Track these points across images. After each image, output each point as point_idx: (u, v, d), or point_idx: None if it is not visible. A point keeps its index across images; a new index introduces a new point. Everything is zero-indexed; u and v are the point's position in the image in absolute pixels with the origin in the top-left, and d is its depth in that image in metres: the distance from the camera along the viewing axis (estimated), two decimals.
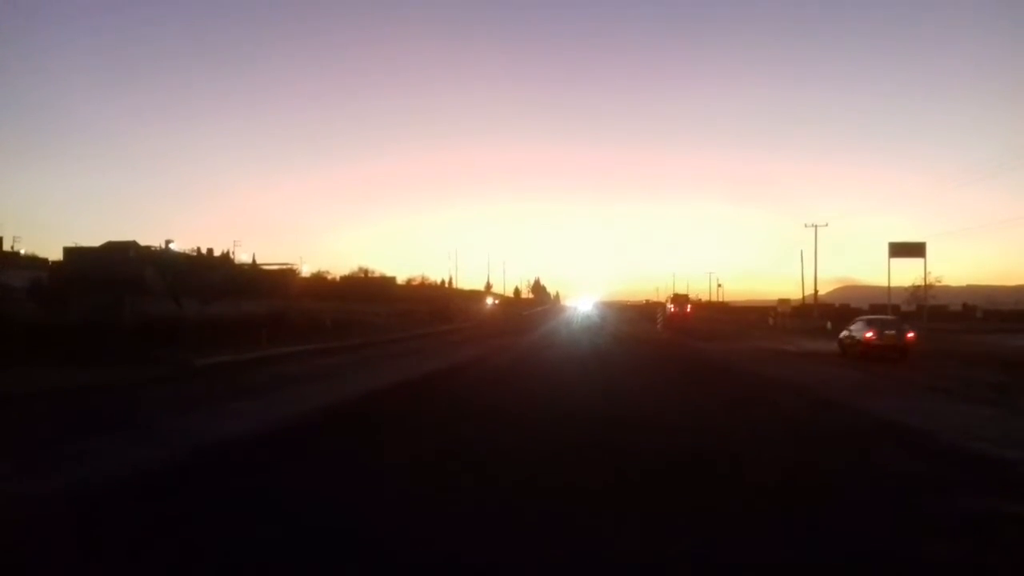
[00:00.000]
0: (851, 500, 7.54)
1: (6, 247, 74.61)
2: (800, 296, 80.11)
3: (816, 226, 70.79)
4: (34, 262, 66.21)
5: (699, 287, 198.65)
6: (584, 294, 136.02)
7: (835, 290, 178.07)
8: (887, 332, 27.63)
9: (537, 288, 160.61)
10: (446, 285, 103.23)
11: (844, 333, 30.27)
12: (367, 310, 54.55)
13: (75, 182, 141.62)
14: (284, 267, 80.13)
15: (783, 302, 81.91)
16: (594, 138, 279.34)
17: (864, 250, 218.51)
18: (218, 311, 36.31)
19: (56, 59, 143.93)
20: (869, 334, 27.56)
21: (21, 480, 8.17)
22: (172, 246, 67.43)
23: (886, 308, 57.60)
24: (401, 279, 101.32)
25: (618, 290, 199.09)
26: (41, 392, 15.36)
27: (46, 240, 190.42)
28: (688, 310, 74.35)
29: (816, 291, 75.59)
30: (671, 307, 72.36)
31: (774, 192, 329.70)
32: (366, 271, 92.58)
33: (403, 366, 23.73)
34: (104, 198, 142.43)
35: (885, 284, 55.23)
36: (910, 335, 27.65)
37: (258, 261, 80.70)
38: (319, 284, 79.10)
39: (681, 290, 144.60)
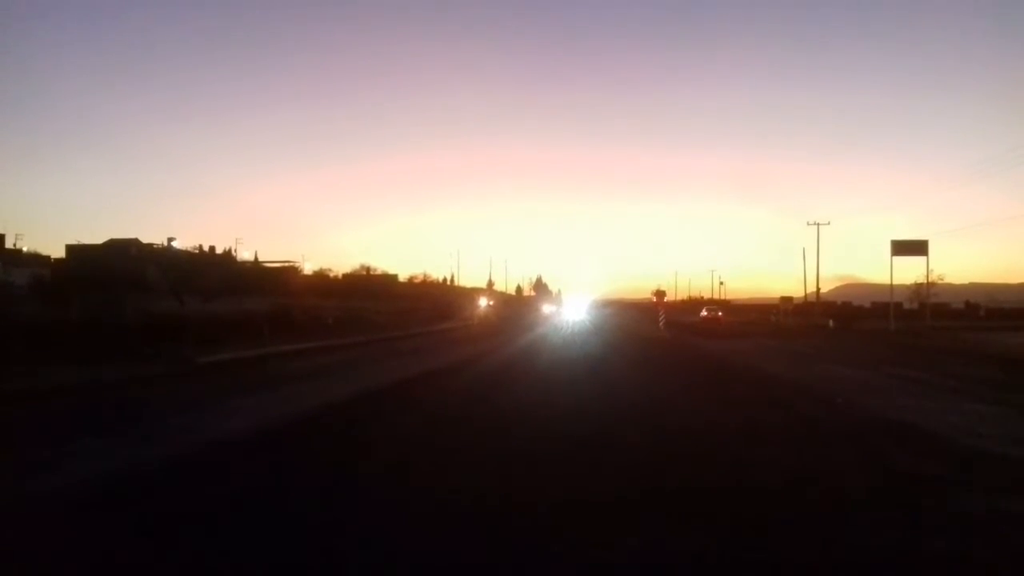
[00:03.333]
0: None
1: (8, 245, 74.77)
2: (803, 294, 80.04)
3: (818, 224, 70.70)
4: (36, 260, 66.33)
5: (702, 285, 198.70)
6: (575, 292, 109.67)
7: (837, 288, 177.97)
8: None
9: (539, 286, 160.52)
10: (448, 283, 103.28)
11: None
12: (369, 308, 54.59)
13: (77, 180, 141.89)
14: (286, 264, 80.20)
15: (785, 300, 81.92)
16: (597, 136, 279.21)
17: (867, 248, 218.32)
18: (220, 309, 36.35)
19: (59, 58, 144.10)
20: None
21: (21, 479, 8.16)
22: (174, 244, 67.50)
23: (888, 306, 57.52)
24: (403, 277, 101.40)
25: (620, 288, 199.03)
26: (42, 390, 15.37)
27: (49, 238, 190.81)
28: (720, 315, 72.29)
29: (818, 289, 75.51)
30: (654, 299, 71.65)
31: (777, 190, 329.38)
32: (368, 268, 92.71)
33: (397, 366, 23.73)
34: (106, 196, 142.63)
35: (887, 282, 55.09)
36: None
37: (260, 259, 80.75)
38: (321, 281, 79.17)
39: (683, 288, 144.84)
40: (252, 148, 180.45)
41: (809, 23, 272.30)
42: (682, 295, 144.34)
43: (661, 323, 53.01)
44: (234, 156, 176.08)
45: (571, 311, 77.26)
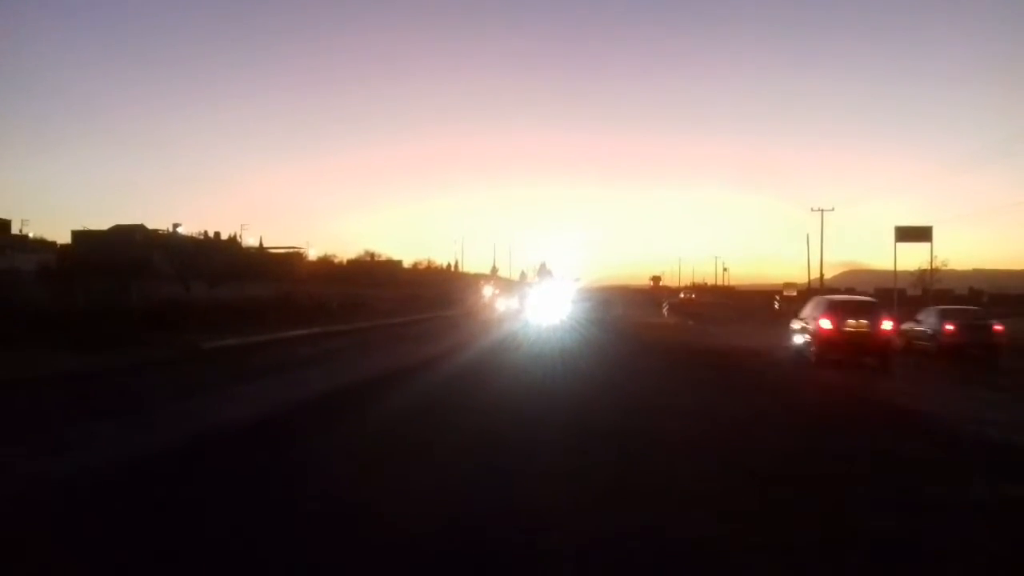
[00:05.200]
0: None
1: (15, 231, 74.97)
2: (806, 280, 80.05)
3: (822, 210, 70.53)
4: (42, 245, 66.54)
5: (705, 271, 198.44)
6: (578, 278, 79.79)
7: (841, 274, 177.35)
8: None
9: (543, 272, 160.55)
10: (452, 269, 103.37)
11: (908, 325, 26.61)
12: (373, 294, 54.77)
13: (83, 166, 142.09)
14: (291, 250, 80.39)
15: (789, 286, 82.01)
16: (600, 123, 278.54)
17: (870, 234, 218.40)
18: (225, 294, 36.58)
19: (65, 45, 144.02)
20: (950, 327, 24.10)
21: (27, 462, 8.31)
22: (179, 230, 67.74)
23: (892, 292, 57.55)
24: (408, 263, 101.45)
25: (623, 274, 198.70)
26: (47, 376, 15.54)
27: (55, 224, 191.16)
28: (692, 297, 75.23)
29: (822, 275, 75.46)
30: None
31: (780, 177, 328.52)
32: (372, 255, 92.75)
33: (400, 352, 23.93)
34: (112, 182, 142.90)
35: (891, 268, 55.06)
36: (999, 329, 24.17)
37: (265, 245, 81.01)
38: (326, 267, 79.33)
39: (687, 275, 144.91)
40: (257, 134, 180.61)
41: (813, 9, 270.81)
42: (685, 282, 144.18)
43: (665, 310, 53.30)
44: (239, 142, 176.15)
45: (543, 306, 46.01)
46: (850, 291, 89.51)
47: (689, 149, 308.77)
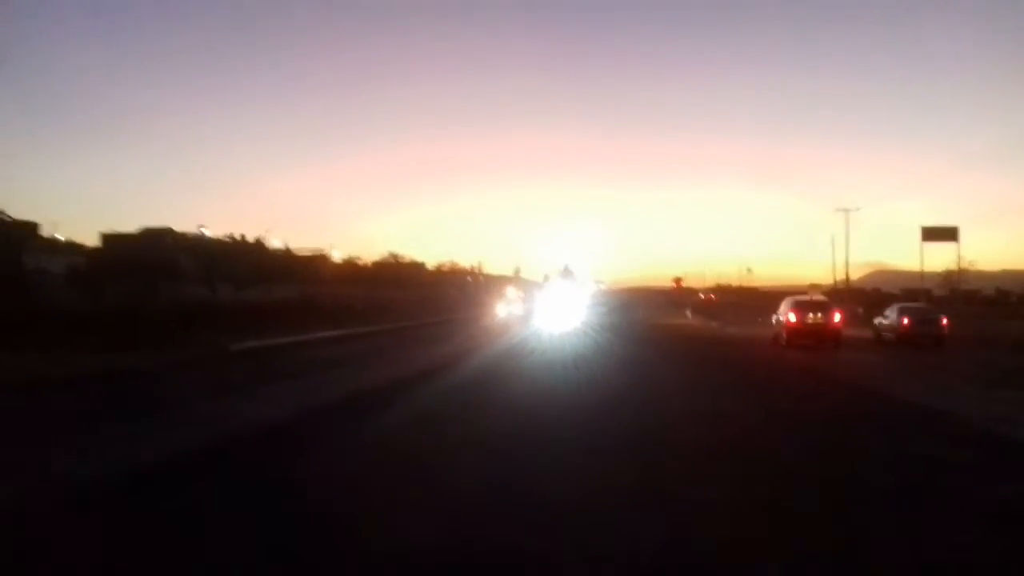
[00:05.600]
0: None
1: (44, 234, 75.93)
2: (831, 281, 79.43)
3: (847, 210, 70.06)
4: (72, 248, 67.35)
5: (728, 272, 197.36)
6: (600, 280, 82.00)
7: (867, 275, 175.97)
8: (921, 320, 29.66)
9: (566, 274, 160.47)
10: (475, 271, 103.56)
11: (878, 320, 32.72)
12: (396, 296, 55.01)
13: (111, 169, 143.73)
14: (316, 253, 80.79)
15: (813, 287, 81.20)
16: (623, 124, 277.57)
17: (896, 234, 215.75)
18: (251, 296, 36.94)
19: (93, 51, 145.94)
20: (906, 321, 29.60)
21: (62, 463, 8.45)
22: (205, 232, 68.28)
23: (918, 293, 56.91)
24: (431, 265, 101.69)
25: (646, 276, 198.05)
26: (78, 376, 15.80)
27: (83, 226, 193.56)
28: (712, 297, 76.05)
29: (847, 276, 74.94)
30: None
31: (805, 177, 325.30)
32: (396, 256, 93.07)
33: (419, 354, 24.04)
34: (139, 185, 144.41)
35: (918, 269, 54.49)
36: (944, 322, 29.50)
37: (290, 247, 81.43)
38: (350, 269, 79.72)
39: (710, 276, 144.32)
40: (282, 137, 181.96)
41: (835, 6, 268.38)
42: (709, 283, 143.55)
43: (688, 313, 53.21)
44: (265, 145, 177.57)
45: (560, 310, 43.12)
46: (875, 291, 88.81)
47: (712, 149, 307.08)
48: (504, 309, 52.44)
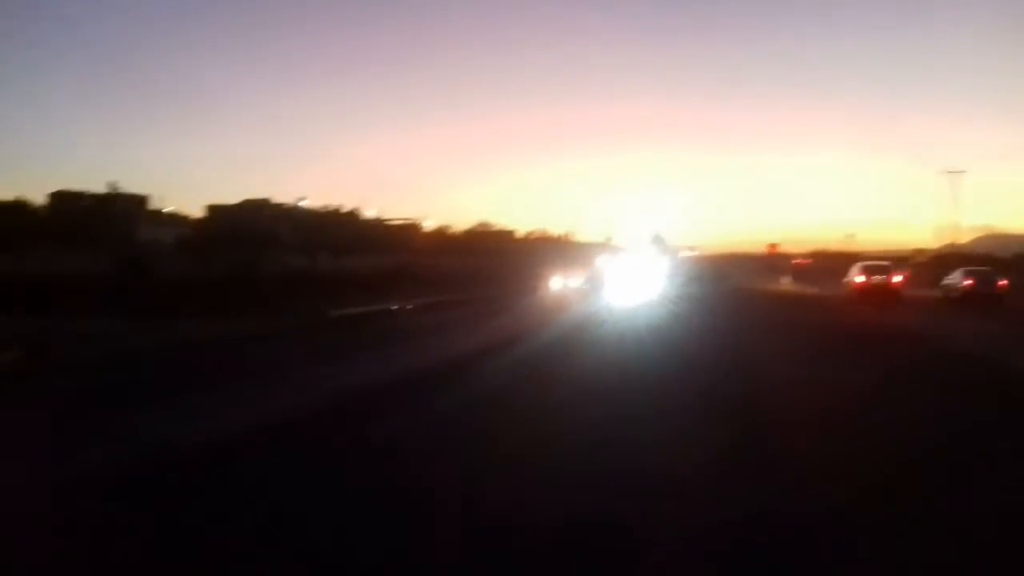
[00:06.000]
0: None
1: (153, 206, 79.70)
2: (939, 246, 76.29)
3: (954, 172, 67.18)
4: (178, 219, 70.59)
5: (828, 239, 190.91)
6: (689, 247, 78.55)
7: (978, 239, 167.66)
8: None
9: (657, 241, 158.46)
10: (566, 239, 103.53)
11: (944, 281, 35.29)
12: (487, 264, 55.63)
13: (214, 142, 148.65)
14: (408, 222, 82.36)
15: (918, 252, 78.36)
16: (718, 89, 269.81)
17: (1008, 196, 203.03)
18: (347, 265, 38.11)
19: (195, 29, 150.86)
20: (968, 282, 32.30)
21: (193, 423, 9.14)
22: (304, 203, 70.48)
23: None
24: (522, 232, 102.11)
25: (742, 242, 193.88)
26: (191, 341, 16.86)
27: (190, 198, 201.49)
28: (809, 261, 73.95)
29: (955, 240, 71.96)
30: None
31: (909, 139, 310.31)
32: (487, 225, 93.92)
33: (507, 323, 24.40)
34: (241, 157, 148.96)
35: None
36: (1001, 283, 32.17)
37: (383, 216, 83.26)
38: (441, 238, 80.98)
39: (808, 242, 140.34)
40: (377, 108, 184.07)
41: None
42: (806, 249, 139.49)
43: (783, 280, 52.25)
44: (359, 116, 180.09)
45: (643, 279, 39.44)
46: (986, 256, 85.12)
47: (812, 114, 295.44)
48: (591, 277, 49.53)
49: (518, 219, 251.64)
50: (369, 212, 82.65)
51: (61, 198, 52.36)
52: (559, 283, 42.78)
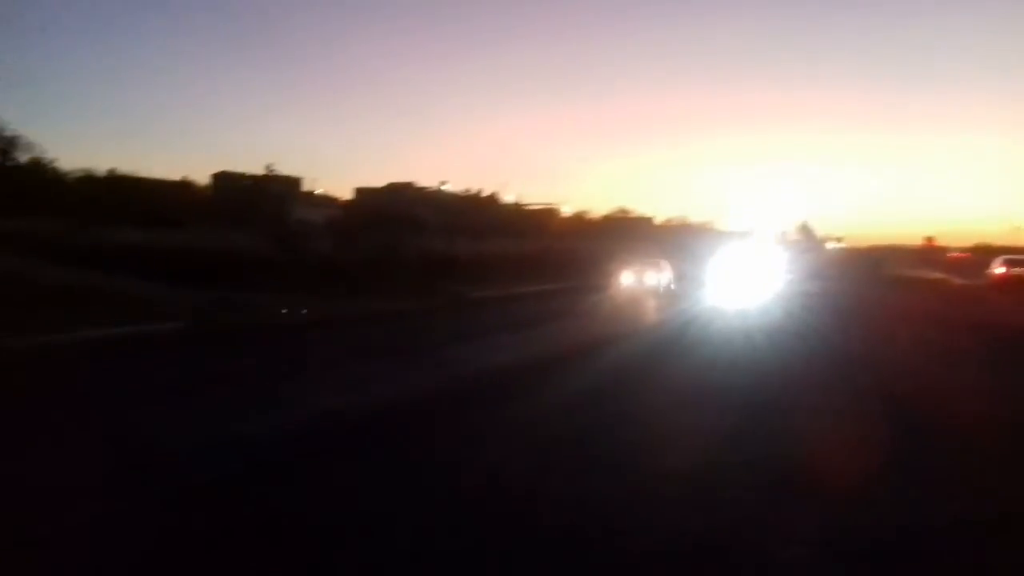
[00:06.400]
0: None
1: (305, 189, 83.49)
2: None
3: None
4: (328, 201, 73.60)
5: (992, 232, 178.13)
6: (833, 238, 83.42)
7: None
8: None
9: (804, 231, 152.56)
10: (707, 227, 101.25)
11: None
12: (623, 251, 55.15)
13: (362, 127, 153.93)
14: (546, 207, 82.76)
15: None
16: (864, 72, 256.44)
17: None
18: (486, 249, 38.77)
19: (346, 16, 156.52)
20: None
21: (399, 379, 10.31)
22: (445, 187, 72.07)
23: None
24: (660, 219, 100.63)
25: (898, 234, 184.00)
26: (345, 318, 17.96)
27: (339, 181, 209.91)
28: (968, 255, 69.43)
29: None
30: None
31: None
32: (625, 211, 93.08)
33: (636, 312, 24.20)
34: (387, 142, 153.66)
35: None
36: None
37: (522, 201, 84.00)
38: (579, 223, 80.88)
39: (971, 235, 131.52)
40: (519, 93, 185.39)
41: None
42: (967, 242, 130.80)
43: (938, 273, 49.20)
44: (500, 100, 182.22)
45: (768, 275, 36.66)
46: None
47: (975, 96, 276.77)
48: (732, 266, 47.20)
49: (658, 206, 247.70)
50: (509, 197, 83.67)
51: (223, 178, 55.55)
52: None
